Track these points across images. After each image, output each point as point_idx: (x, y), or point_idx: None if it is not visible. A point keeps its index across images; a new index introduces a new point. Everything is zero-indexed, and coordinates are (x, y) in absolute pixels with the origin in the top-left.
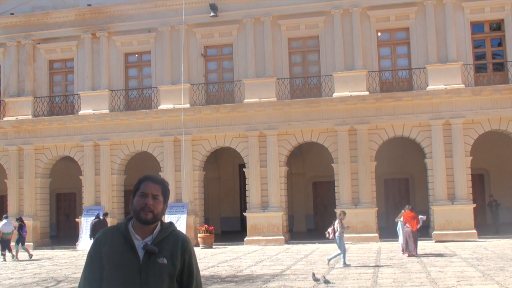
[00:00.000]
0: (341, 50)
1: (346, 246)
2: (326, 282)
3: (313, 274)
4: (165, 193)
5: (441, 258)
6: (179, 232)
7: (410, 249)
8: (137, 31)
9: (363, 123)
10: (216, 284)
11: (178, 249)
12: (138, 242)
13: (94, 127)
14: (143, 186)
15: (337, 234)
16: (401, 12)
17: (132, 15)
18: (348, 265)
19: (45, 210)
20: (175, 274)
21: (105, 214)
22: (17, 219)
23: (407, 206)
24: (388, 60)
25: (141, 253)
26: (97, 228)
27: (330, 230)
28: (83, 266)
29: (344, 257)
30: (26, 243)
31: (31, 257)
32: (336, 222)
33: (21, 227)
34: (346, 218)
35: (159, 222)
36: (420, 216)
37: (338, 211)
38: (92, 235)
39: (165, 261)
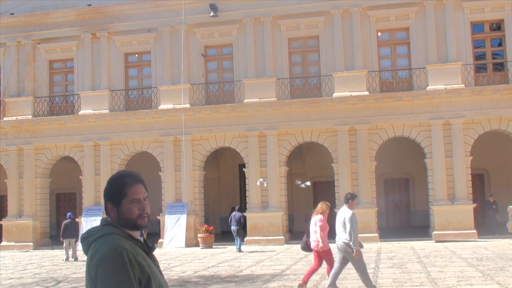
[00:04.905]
0: (341, 50)
1: None
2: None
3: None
4: (147, 189)
5: (441, 258)
6: None
7: None
8: (137, 31)
9: (363, 123)
10: (216, 284)
11: None
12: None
13: (94, 127)
14: (132, 191)
15: None
16: (401, 12)
17: (132, 15)
18: None
19: (45, 210)
20: None
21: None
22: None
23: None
24: (388, 60)
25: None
26: (69, 228)
27: None
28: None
29: None
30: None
31: None
32: None
33: None
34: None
35: None
36: None
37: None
38: (63, 235)
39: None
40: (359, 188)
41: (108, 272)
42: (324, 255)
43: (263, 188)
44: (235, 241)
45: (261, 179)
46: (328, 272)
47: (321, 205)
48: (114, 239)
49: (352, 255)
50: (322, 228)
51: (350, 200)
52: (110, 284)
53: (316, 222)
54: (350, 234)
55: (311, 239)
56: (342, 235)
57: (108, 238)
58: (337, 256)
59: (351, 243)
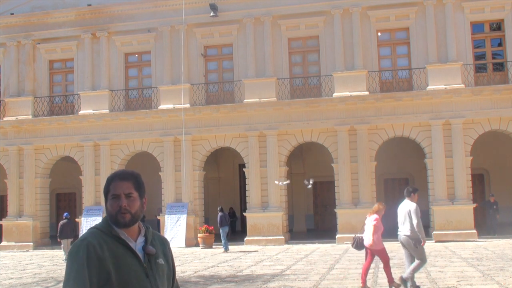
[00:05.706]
0: (341, 50)
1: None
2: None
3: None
4: (139, 187)
5: (441, 258)
6: (155, 231)
7: None
8: (137, 31)
9: (363, 123)
10: (216, 284)
11: (167, 248)
12: (133, 244)
13: (94, 127)
14: (113, 187)
15: None
16: (401, 12)
17: (132, 15)
18: None
19: (45, 210)
20: (170, 274)
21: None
22: None
23: None
24: (388, 60)
25: (140, 255)
26: (65, 228)
27: None
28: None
29: None
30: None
31: None
32: None
33: None
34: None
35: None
36: None
37: None
38: (60, 235)
39: (162, 261)
40: (359, 188)
41: (68, 260)
42: (378, 254)
43: (281, 184)
44: (224, 241)
45: (284, 182)
46: (385, 271)
47: (377, 205)
48: (88, 233)
49: (414, 247)
50: (376, 228)
51: (412, 194)
52: (66, 270)
53: (371, 222)
54: (418, 226)
55: (365, 237)
56: (404, 228)
57: (86, 232)
58: (404, 252)
59: (418, 235)
